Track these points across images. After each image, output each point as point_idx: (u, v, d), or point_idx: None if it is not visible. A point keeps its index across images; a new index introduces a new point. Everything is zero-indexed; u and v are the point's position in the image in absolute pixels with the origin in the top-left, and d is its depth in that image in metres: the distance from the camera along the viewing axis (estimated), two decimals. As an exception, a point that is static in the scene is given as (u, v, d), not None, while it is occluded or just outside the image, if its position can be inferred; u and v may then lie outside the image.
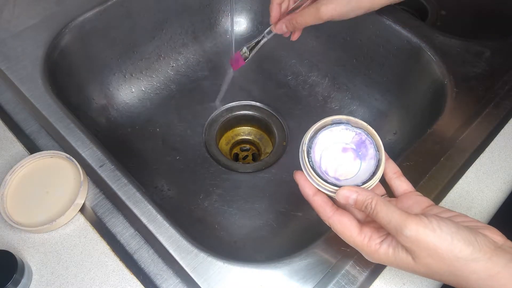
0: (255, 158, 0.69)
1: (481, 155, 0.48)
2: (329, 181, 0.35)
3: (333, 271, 0.38)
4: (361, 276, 0.38)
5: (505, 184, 0.46)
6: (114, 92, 0.66)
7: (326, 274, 0.38)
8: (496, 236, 0.31)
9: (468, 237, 0.29)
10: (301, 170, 0.37)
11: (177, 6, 0.68)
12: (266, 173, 0.63)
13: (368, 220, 0.36)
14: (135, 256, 0.39)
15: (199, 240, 0.40)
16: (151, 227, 0.40)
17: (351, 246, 0.34)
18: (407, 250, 0.31)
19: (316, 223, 0.57)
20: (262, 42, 0.54)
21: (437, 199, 0.44)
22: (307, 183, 0.36)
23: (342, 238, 0.35)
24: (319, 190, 0.36)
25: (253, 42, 0.54)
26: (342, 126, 0.38)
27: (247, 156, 0.70)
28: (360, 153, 0.38)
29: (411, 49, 0.59)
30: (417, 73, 0.60)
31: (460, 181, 0.46)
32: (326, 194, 0.36)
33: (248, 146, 0.71)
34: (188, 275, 0.38)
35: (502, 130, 0.50)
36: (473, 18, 0.78)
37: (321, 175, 0.36)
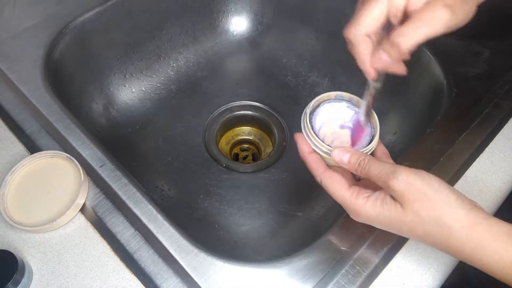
0: (255, 158, 0.69)
1: (481, 155, 0.48)
2: (325, 142, 0.37)
3: (333, 271, 0.38)
4: (361, 276, 0.38)
5: (505, 184, 0.46)
6: (114, 92, 0.66)
7: (326, 274, 0.38)
8: (476, 204, 0.33)
9: (452, 188, 0.32)
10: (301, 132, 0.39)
11: (177, 6, 0.68)
12: (266, 173, 0.63)
13: (356, 183, 0.38)
14: (135, 256, 0.39)
15: (199, 240, 0.40)
16: (151, 227, 0.40)
17: (351, 246, 0.34)
18: (395, 199, 0.32)
19: (316, 223, 0.57)
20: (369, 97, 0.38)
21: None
22: (305, 141, 0.38)
23: (331, 195, 0.36)
24: (314, 150, 0.38)
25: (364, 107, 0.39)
26: (343, 103, 0.40)
27: (247, 156, 0.70)
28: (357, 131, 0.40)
29: (411, 49, 0.59)
30: (417, 73, 0.60)
31: (460, 181, 0.46)
32: (321, 156, 0.38)
33: (248, 146, 0.71)
34: (188, 274, 0.38)
35: (502, 130, 0.50)
36: (473, 18, 0.78)
37: (319, 136, 0.37)
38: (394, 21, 0.32)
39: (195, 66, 0.73)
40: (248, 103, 0.70)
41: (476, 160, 0.47)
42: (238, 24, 0.75)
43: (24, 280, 0.36)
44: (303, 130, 0.38)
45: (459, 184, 0.45)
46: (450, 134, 0.49)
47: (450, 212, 0.30)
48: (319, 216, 0.58)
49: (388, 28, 0.32)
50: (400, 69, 0.34)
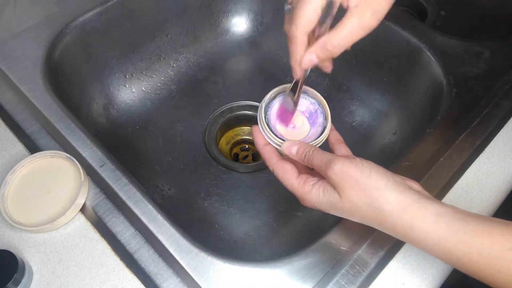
0: (255, 158, 0.69)
1: (481, 155, 0.48)
2: (278, 136, 0.40)
3: (332, 270, 0.38)
4: (361, 276, 0.38)
5: (504, 184, 0.46)
6: (114, 92, 0.66)
7: (326, 274, 0.38)
8: (414, 184, 0.35)
9: (385, 172, 0.34)
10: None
11: (177, 6, 0.68)
12: (266, 173, 0.63)
13: (309, 172, 0.41)
14: (136, 256, 0.39)
15: (199, 239, 0.40)
16: (151, 227, 0.40)
17: (351, 246, 0.35)
18: (334, 187, 0.35)
19: (316, 223, 0.57)
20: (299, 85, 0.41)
21: (436, 198, 0.44)
22: (260, 135, 0.41)
23: (282, 182, 0.39)
24: (269, 142, 0.41)
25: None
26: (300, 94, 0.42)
27: (247, 156, 0.70)
28: (311, 121, 0.43)
29: (410, 50, 0.59)
30: (417, 73, 0.60)
31: (460, 181, 0.46)
32: (275, 148, 0.40)
33: (248, 146, 0.71)
34: (188, 274, 0.38)
35: (501, 130, 0.50)
36: (473, 18, 0.78)
37: (273, 130, 0.40)
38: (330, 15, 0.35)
39: (195, 66, 0.73)
40: (248, 103, 0.70)
41: (476, 160, 0.47)
42: (238, 24, 0.75)
43: (24, 280, 0.36)
44: (258, 124, 0.41)
45: (459, 184, 0.45)
46: (450, 134, 0.49)
47: (380, 196, 0.33)
48: (319, 216, 0.58)
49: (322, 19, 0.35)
50: (328, 67, 0.39)
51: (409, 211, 0.32)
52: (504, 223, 0.30)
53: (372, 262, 0.39)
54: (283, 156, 0.40)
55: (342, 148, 0.41)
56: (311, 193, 0.36)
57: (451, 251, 0.31)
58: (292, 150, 0.39)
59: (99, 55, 0.63)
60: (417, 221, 0.31)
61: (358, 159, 0.34)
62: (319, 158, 0.36)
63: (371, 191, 0.33)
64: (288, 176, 0.38)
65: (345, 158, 0.34)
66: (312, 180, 0.37)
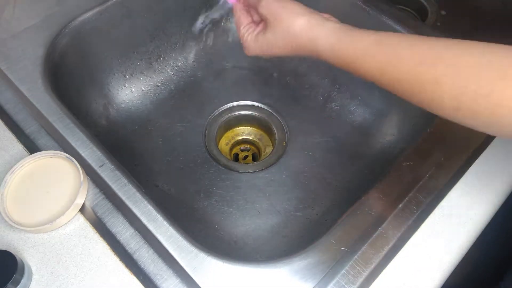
0: (255, 158, 0.69)
1: (481, 156, 0.48)
2: None
3: (333, 271, 0.38)
4: (361, 276, 0.38)
5: (504, 185, 0.46)
6: (114, 92, 0.66)
7: (326, 274, 0.38)
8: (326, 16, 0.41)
9: (300, 5, 0.40)
10: None
11: (177, 6, 0.68)
12: (266, 173, 0.63)
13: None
14: (135, 256, 0.39)
15: (199, 240, 0.40)
16: (151, 227, 0.40)
17: (351, 246, 0.34)
18: (267, 25, 0.40)
19: (316, 223, 0.57)
20: None
21: (436, 199, 0.44)
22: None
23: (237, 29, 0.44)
24: None
25: None
26: None
27: (247, 156, 0.70)
28: None
29: (411, 49, 0.59)
30: (417, 73, 0.60)
31: (460, 182, 0.46)
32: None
33: (248, 146, 0.71)
34: (188, 275, 0.38)
35: (502, 130, 0.50)
36: (473, 18, 0.78)
37: None
38: None
39: (195, 66, 0.73)
40: (248, 103, 0.70)
41: (476, 161, 0.47)
42: (238, 24, 0.75)
43: (23, 280, 0.36)
44: None
45: (458, 185, 0.45)
46: (450, 134, 0.49)
47: (294, 22, 0.39)
48: (319, 216, 0.58)
49: None
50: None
51: (313, 30, 0.39)
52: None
53: (373, 262, 0.39)
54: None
55: None
56: (248, 40, 0.42)
57: (339, 54, 0.39)
58: None
59: (99, 55, 0.63)
60: (317, 35, 0.39)
61: None
62: None
63: (286, 19, 0.39)
64: (239, 22, 0.43)
65: None
66: (254, 30, 0.42)
